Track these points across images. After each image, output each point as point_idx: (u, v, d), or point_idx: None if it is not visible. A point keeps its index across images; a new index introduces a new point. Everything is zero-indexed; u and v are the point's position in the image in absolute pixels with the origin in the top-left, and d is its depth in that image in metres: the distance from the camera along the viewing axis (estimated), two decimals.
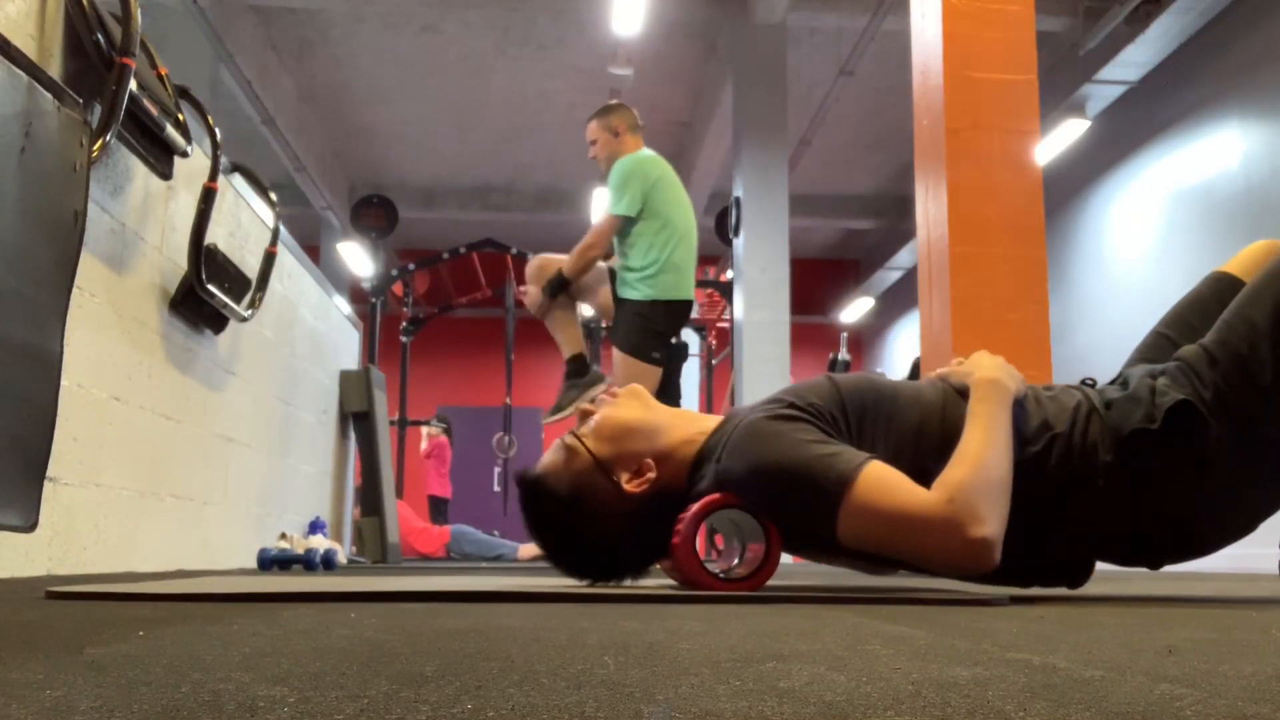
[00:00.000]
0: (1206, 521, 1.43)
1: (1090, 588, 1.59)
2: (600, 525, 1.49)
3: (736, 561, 1.56)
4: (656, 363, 3.84)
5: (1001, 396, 1.41)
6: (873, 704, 0.48)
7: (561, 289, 3.83)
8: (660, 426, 1.54)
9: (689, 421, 1.57)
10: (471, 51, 10.10)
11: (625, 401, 1.58)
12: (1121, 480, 1.38)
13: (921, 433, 1.42)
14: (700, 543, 1.48)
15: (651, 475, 1.48)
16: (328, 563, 3.35)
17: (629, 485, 1.47)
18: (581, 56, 10.09)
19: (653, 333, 3.86)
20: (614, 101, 4.27)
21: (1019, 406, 1.45)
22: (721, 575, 1.48)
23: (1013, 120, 4.29)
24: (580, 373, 3.96)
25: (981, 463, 1.31)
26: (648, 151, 4.05)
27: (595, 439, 1.52)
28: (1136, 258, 8.86)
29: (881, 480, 1.30)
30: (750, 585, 1.43)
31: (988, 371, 1.46)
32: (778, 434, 1.38)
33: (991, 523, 1.27)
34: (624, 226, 3.86)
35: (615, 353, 3.88)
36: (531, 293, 3.88)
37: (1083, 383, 1.54)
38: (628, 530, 1.49)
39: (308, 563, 3.25)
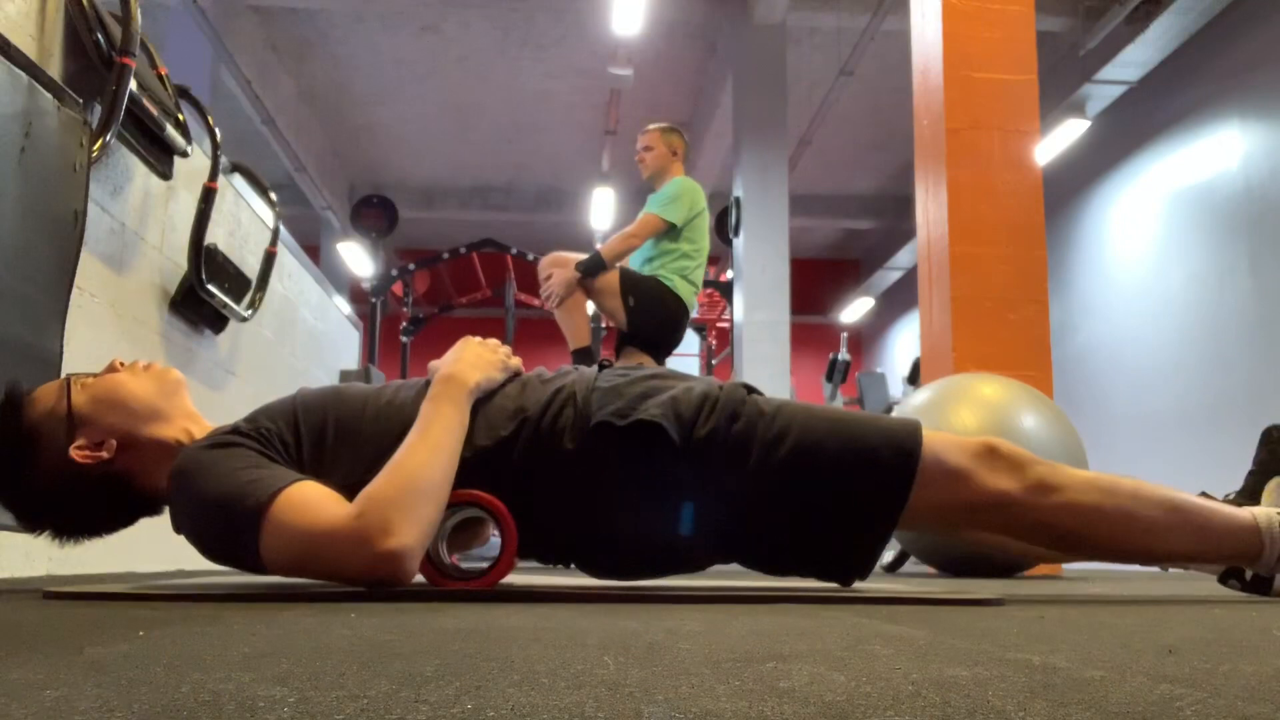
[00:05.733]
0: (641, 535, 1.39)
1: (1090, 588, 1.58)
2: (28, 467, 1.39)
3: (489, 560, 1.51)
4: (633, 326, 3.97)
5: (452, 393, 1.37)
6: (873, 704, 0.48)
7: (597, 271, 3.91)
8: (157, 416, 1.43)
9: (198, 429, 1.45)
10: (471, 51, 10.10)
11: (145, 377, 1.48)
12: (578, 471, 1.35)
13: (386, 442, 1.34)
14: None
15: (104, 455, 1.39)
16: None
17: (73, 450, 1.38)
18: (581, 56, 10.09)
19: (637, 296, 3.95)
20: (673, 125, 4.41)
21: (494, 394, 1.42)
22: (464, 574, 1.42)
23: (1013, 120, 4.29)
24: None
25: (403, 471, 1.26)
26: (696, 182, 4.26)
27: (86, 392, 1.43)
28: (1136, 258, 8.86)
29: (300, 500, 1.24)
30: (484, 582, 1.38)
31: (446, 366, 1.41)
32: (205, 465, 1.31)
33: (403, 534, 1.21)
34: (664, 232, 4.02)
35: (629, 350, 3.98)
36: (558, 275, 3.93)
37: (600, 365, 1.51)
38: (49, 491, 1.40)
39: None
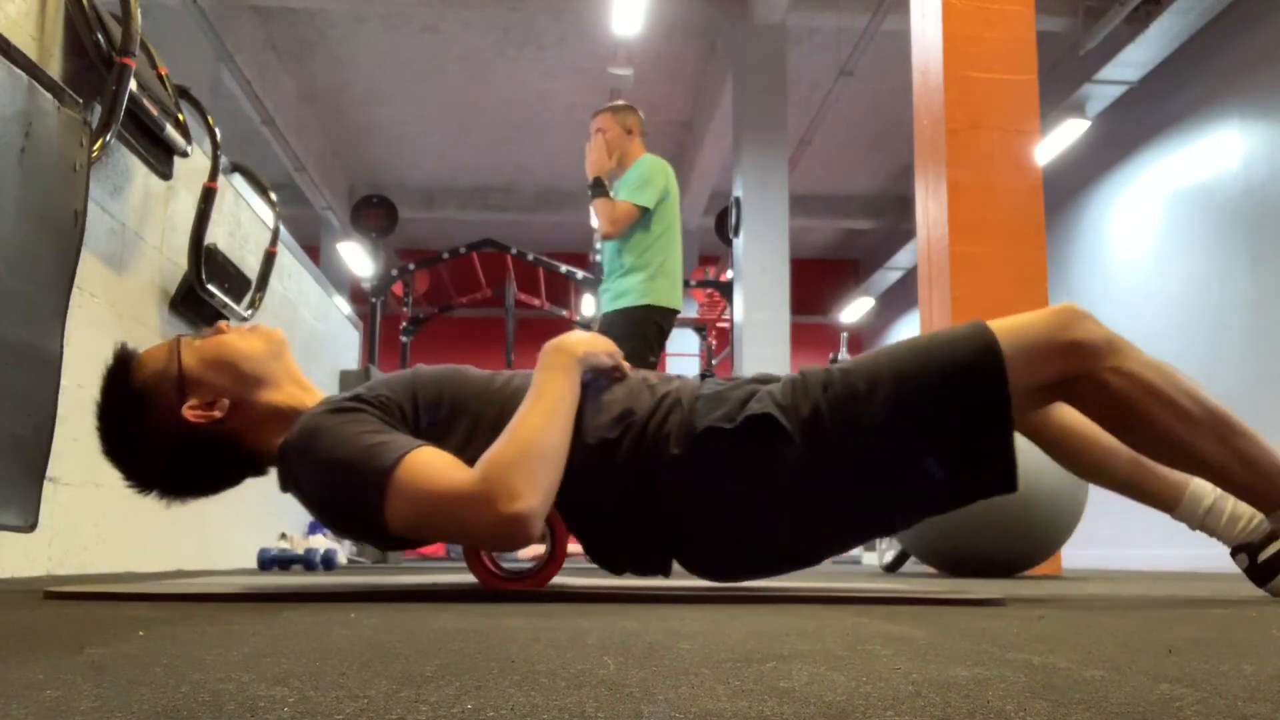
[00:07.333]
0: (761, 537, 1.40)
1: (1090, 588, 1.58)
2: (141, 428, 1.43)
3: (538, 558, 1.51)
4: (650, 366, 3.88)
5: (562, 361, 1.39)
6: (873, 704, 0.48)
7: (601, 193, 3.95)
8: (267, 380, 1.47)
9: (305, 393, 1.48)
10: (471, 51, 10.10)
11: (252, 338, 1.50)
12: (685, 476, 1.36)
13: (500, 421, 1.37)
14: None
15: (216, 415, 1.42)
16: (328, 563, 3.35)
17: (186, 410, 1.41)
18: (581, 56, 10.09)
19: (642, 337, 3.87)
20: (625, 102, 4.26)
21: (601, 391, 1.43)
22: (509, 573, 1.44)
23: (1013, 120, 4.29)
24: None
25: (523, 435, 1.29)
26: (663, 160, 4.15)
27: (196, 353, 1.46)
28: (1136, 258, 8.85)
29: (425, 464, 1.27)
30: (534, 583, 1.40)
31: (557, 339, 1.43)
32: (328, 428, 1.34)
33: (528, 497, 1.24)
34: (639, 219, 3.89)
35: None
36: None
37: (702, 375, 1.53)
38: (161, 450, 1.43)
39: (308, 563, 3.25)
